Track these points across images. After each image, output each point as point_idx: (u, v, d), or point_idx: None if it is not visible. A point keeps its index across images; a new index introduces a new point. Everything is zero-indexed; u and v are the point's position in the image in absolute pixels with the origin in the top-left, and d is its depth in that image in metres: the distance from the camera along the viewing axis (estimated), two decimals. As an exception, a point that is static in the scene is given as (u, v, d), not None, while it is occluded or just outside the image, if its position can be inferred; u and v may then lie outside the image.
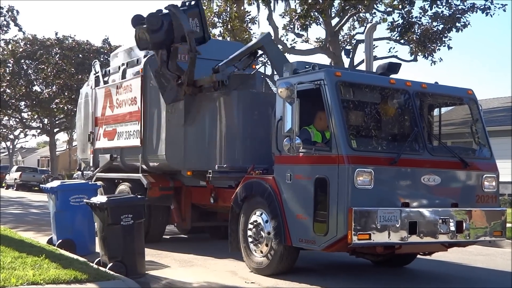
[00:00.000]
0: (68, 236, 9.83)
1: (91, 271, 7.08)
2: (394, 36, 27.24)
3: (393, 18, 26.90)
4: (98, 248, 8.58)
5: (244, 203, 8.82)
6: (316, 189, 7.51)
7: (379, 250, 7.86)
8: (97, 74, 13.53)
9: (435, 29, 26.22)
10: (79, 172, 14.50)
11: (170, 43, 10.14)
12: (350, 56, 26.43)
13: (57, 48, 45.76)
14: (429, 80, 8.83)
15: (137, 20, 10.22)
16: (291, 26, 27.94)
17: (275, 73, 10.30)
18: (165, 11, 10.00)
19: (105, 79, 13.22)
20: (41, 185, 11.90)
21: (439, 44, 26.56)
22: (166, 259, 9.74)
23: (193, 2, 10.32)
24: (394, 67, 8.60)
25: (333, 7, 26.58)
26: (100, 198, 8.36)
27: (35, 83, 48.33)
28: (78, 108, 14.76)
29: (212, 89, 10.03)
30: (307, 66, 8.32)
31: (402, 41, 27.32)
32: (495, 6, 25.18)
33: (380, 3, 27.07)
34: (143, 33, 10.06)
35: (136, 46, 12.31)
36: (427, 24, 26.42)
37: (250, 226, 8.63)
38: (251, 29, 27.93)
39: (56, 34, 46.54)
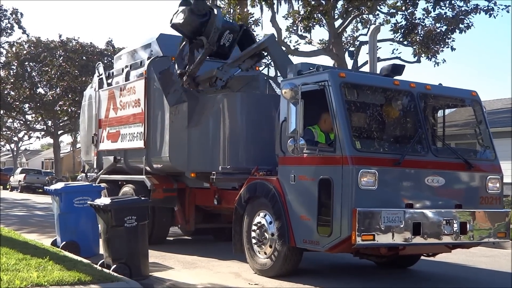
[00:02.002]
0: (72, 238, 9.84)
1: (95, 273, 7.10)
2: (397, 37, 27.19)
3: (396, 20, 26.85)
4: (102, 250, 8.60)
5: (248, 205, 8.82)
6: (320, 190, 7.51)
7: (383, 251, 7.86)
8: (100, 76, 13.56)
9: (438, 30, 26.15)
10: (83, 174, 14.51)
11: (198, 35, 10.21)
12: (354, 57, 26.40)
13: (61, 50, 45.85)
14: (433, 81, 8.82)
15: (186, 1, 10.32)
16: (295, 28, 27.90)
17: (279, 74, 10.31)
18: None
19: (109, 81, 13.24)
20: (45, 187, 11.94)
21: (442, 46, 26.50)
22: (170, 261, 9.74)
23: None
24: (398, 69, 8.59)
25: (336, 9, 26.56)
26: (104, 200, 8.38)
27: (39, 85, 48.41)
28: (81, 110, 14.78)
29: (207, 84, 10.08)
30: (311, 68, 8.33)
31: (405, 42, 27.28)
32: (498, 7, 25.10)
33: (383, 4, 27.03)
34: (184, 11, 10.15)
35: (139, 48, 12.40)
36: (430, 25, 26.35)
37: (254, 227, 8.63)
38: (255, 31, 27.92)
39: (60, 36, 46.70)
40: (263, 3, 26.59)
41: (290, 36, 28.44)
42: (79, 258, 8.43)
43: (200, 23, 10.09)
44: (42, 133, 58.26)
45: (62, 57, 45.70)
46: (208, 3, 10.33)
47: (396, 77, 8.48)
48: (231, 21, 10.49)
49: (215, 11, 10.14)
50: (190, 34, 10.31)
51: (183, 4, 10.32)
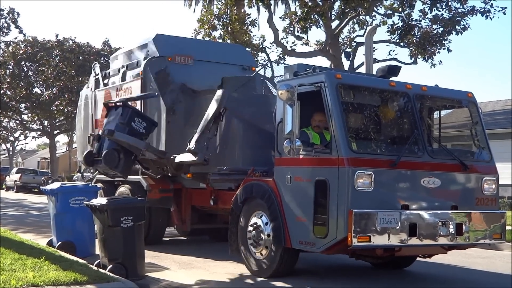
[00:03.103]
0: (68, 238, 9.82)
1: (91, 273, 7.10)
2: (394, 38, 27.27)
3: (393, 21, 26.96)
4: (98, 250, 8.58)
5: (244, 205, 8.82)
6: (316, 191, 7.50)
7: (379, 252, 7.87)
8: (97, 76, 13.54)
9: (435, 32, 26.24)
10: (79, 174, 14.51)
11: (136, 160, 10.21)
12: (350, 58, 26.45)
13: (57, 50, 45.77)
14: (429, 82, 8.84)
15: (90, 158, 10.25)
16: (291, 29, 27.93)
17: (276, 74, 10.26)
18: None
19: (105, 81, 13.22)
20: (41, 187, 11.91)
21: (439, 47, 26.58)
22: (166, 261, 9.74)
23: (119, 103, 10.12)
24: (394, 70, 8.59)
25: (333, 10, 26.62)
26: (100, 200, 8.36)
27: (36, 85, 48.30)
28: (78, 110, 14.76)
29: (202, 165, 9.68)
30: (307, 69, 8.32)
31: (402, 43, 27.36)
32: (495, 9, 25.22)
33: (380, 5, 27.10)
34: (108, 169, 10.06)
35: (136, 48, 12.37)
36: (427, 27, 26.44)
37: (250, 228, 8.63)
38: (251, 32, 27.96)
39: (57, 36, 46.63)
40: (260, 4, 26.64)
41: (287, 37, 28.50)
42: (75, 258, 8.41)
43: (125, 162, 9.87)
44: (38, 133, 58.10)
45: (58, 57, 45.62)
46: (113, 160, 9.71)
47: (392, 78, 8.49)
48: (119, 110, 10.05)
49: (115, 134, 9.57)
50: (133, 165, 10.38)
51: (90, 162, 10.29)
